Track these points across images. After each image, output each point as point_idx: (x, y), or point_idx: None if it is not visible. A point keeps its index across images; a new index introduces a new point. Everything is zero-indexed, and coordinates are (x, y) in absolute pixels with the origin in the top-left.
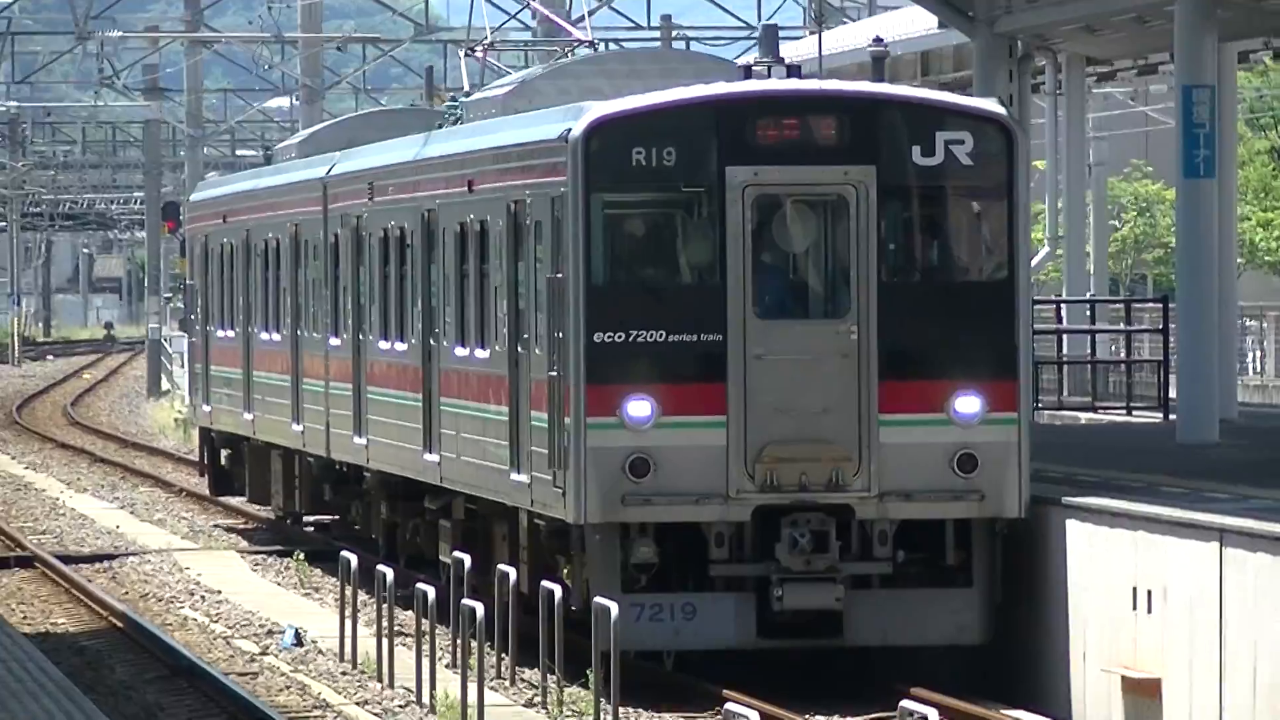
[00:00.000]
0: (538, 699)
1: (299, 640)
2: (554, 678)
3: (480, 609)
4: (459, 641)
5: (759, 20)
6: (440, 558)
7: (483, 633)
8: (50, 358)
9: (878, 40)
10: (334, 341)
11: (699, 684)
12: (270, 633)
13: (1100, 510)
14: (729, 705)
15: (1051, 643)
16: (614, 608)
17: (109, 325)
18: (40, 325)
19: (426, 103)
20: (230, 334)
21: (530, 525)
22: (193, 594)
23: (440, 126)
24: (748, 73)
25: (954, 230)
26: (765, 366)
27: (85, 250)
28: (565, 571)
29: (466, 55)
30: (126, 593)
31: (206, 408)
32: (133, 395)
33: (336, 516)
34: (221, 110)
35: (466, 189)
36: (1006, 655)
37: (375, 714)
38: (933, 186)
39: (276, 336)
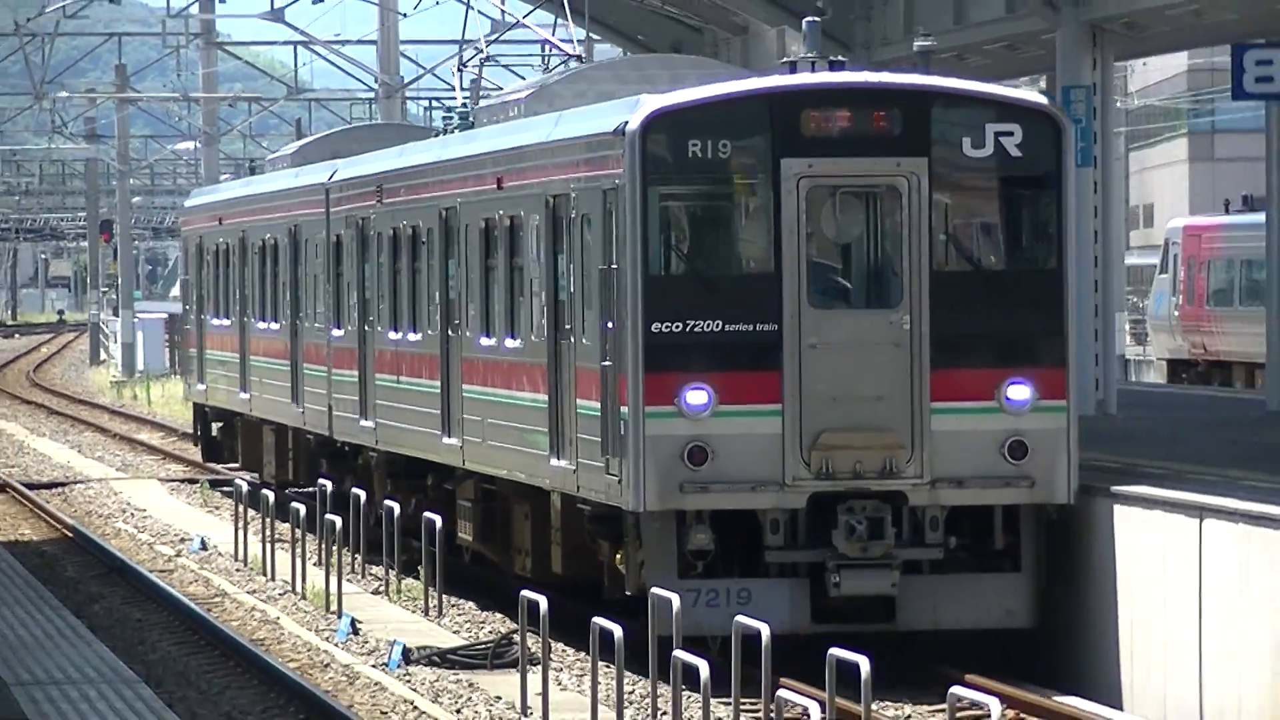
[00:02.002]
0: (382, 589)
1: (204, 546)
2: (394, 572)
3: (339, 522)
4: (323, 545)
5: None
6: (460, 535)
7: (340, 539)
8: (16, 335)
9: (924, 34)
10: (336, 332)
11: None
12: (182, 540)
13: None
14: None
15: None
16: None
17: (60, 312)
18: (9, 312)
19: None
20: (226, 322)
21: (565, 508)
22: (124, 511)
23: (445, 133)
24: (793, 67)
25: (1003, 221)
26: (819, 355)
27: (43, 256)
28: (617, 557)
29: (458, 69)
30: (75, 511)
31: (201, 386)
32: (79, 364)
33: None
34: (143, 151)
35: (495, 186)
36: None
37: (261, 600)
38: (983, 178)
39: (275, 326)
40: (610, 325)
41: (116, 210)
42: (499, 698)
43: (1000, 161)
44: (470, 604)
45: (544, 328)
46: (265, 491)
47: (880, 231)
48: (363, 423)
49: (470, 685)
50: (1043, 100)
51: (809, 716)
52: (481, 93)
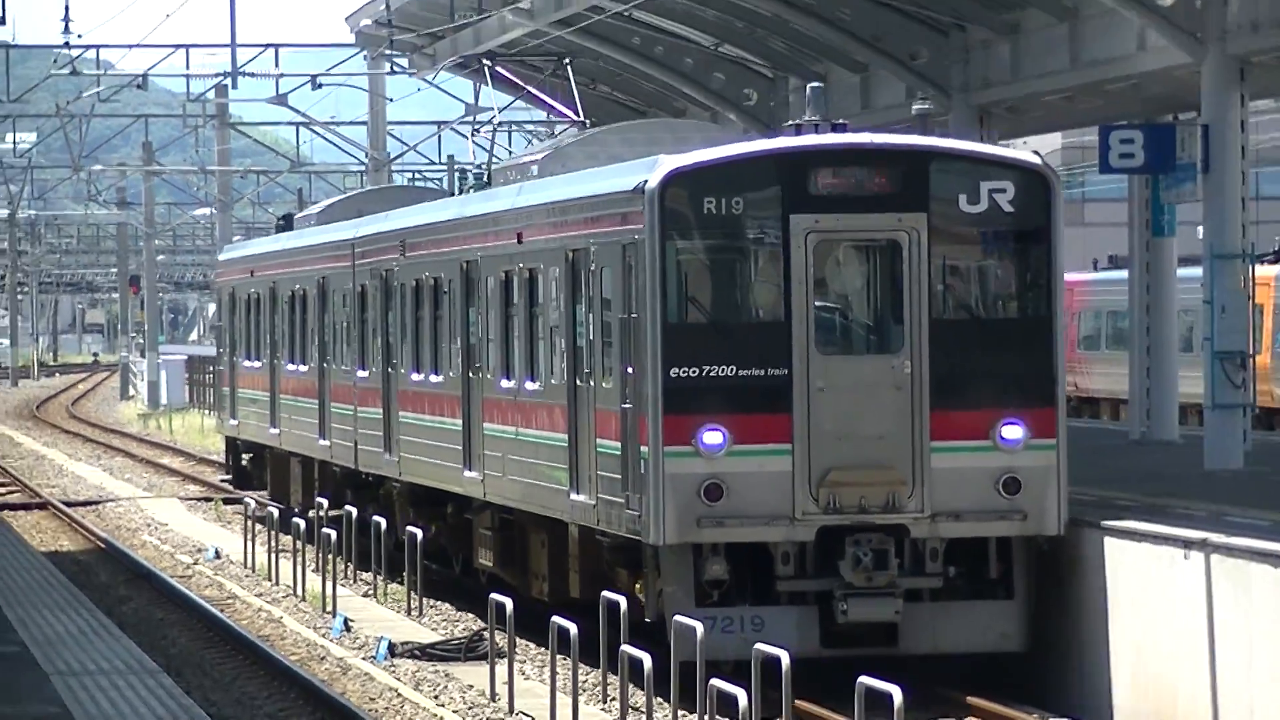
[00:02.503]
0: (371, 592)
1: (217, 555)
2: (381, 577)
3: (334, 535)
4: (324, 555)
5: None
6: (479, 560)
7: (335, 550)
8: (57, 375)
9: (922, 98)
10: (362, 373)
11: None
12: (199, 550)
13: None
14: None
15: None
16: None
17: (95, 354)
18: (50, 354)
19: (298, 209)
20: (257, 364)
21: (583, 538)
22: (149, 525)
23: (463, 192)
24: (798, 130)
25: (998, 272)
26: (826, 398)
27: (79, 305)
28: (637, 586)
29: (473, 135)
30: (106, 525)
31: (234, 421)
32: (111, 399)
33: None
34: (166, 216)
35: (515, 240)
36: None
37: (267, 602)
38: (978, 232)
39: (303, 367)
40: (630, 370)
41: (144, 267)
42: (471, 686)
43: (994, 216)
44: (448, 605)
45: (563, 371)
46: (272, 508)
47: (882, 282)
48: (386, 456)
49: (447, 675)
50: (1034, 158)
51: None
52: (493, 156)
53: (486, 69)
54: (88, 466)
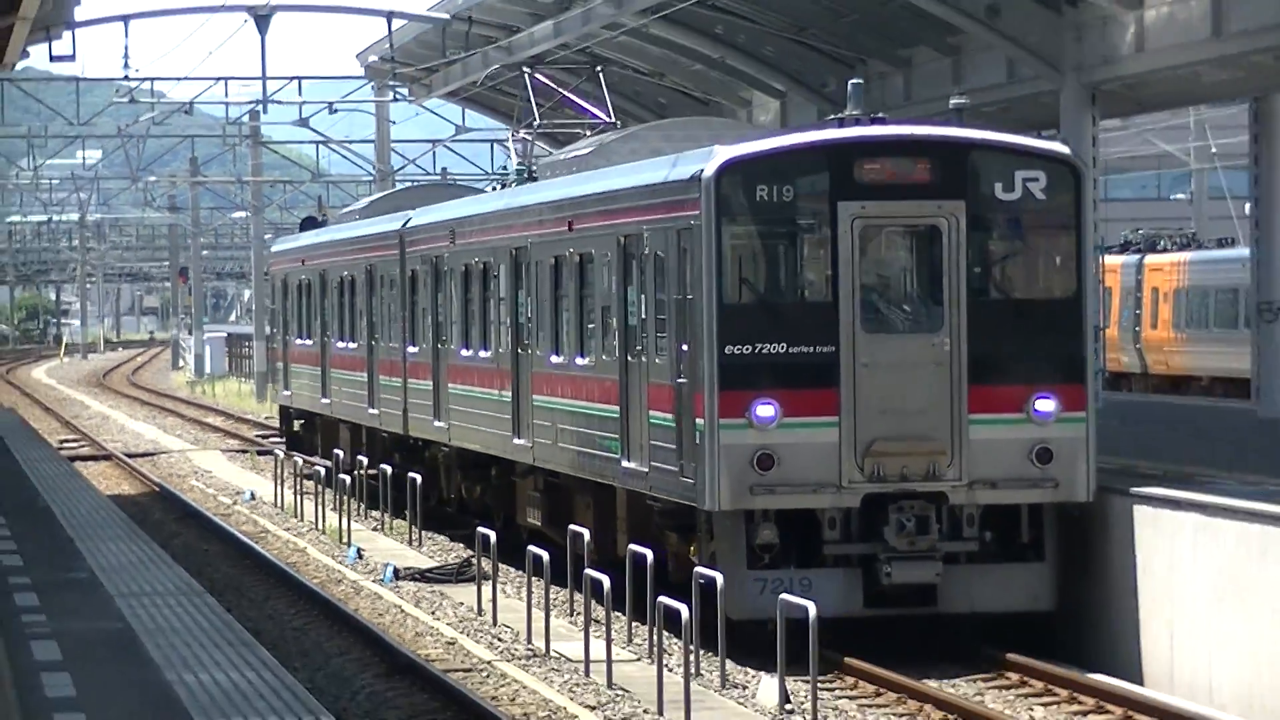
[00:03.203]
0: (379, 527)
1: (252, 497)
2: (387, 513)
3: (348, 479)
4: (340, 497)
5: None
6: (527, 519)
7: (349, 491)
8: (120, 349)
9: (961, 93)
10: (412, 349)
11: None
12: (237, 493)
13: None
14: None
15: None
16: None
17: (151, 333)
18: (114, 333)
19: (319, 214)
20: (309, 342)
21: (630, 502)
22: (195, 473)
23: (505, 187)
24: (841, 122)
25: (1031, 255)
26: (871, 374)
27: (137, 293)
28: (691, 548)
29: (513, 138)
30: (160, 472)
31: (286, 392)
32: (164, 369)
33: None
34: (209, 218)
35: (566, 228)
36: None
37: (293, 535)
38: (1013, 217)
39: (352, 345)
40: (685, 348)
41: (190, 260)
42: (462, 603)
43: (1027, 203)
44: (443, 537)
45: (615, 348)
46: (296, 457)
47: (923, 265)
48: (436, 423)
49: (441, 594)
50: (1064, 149)
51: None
52: (533, 156)
53: (526, 75)
54: (144, 424)
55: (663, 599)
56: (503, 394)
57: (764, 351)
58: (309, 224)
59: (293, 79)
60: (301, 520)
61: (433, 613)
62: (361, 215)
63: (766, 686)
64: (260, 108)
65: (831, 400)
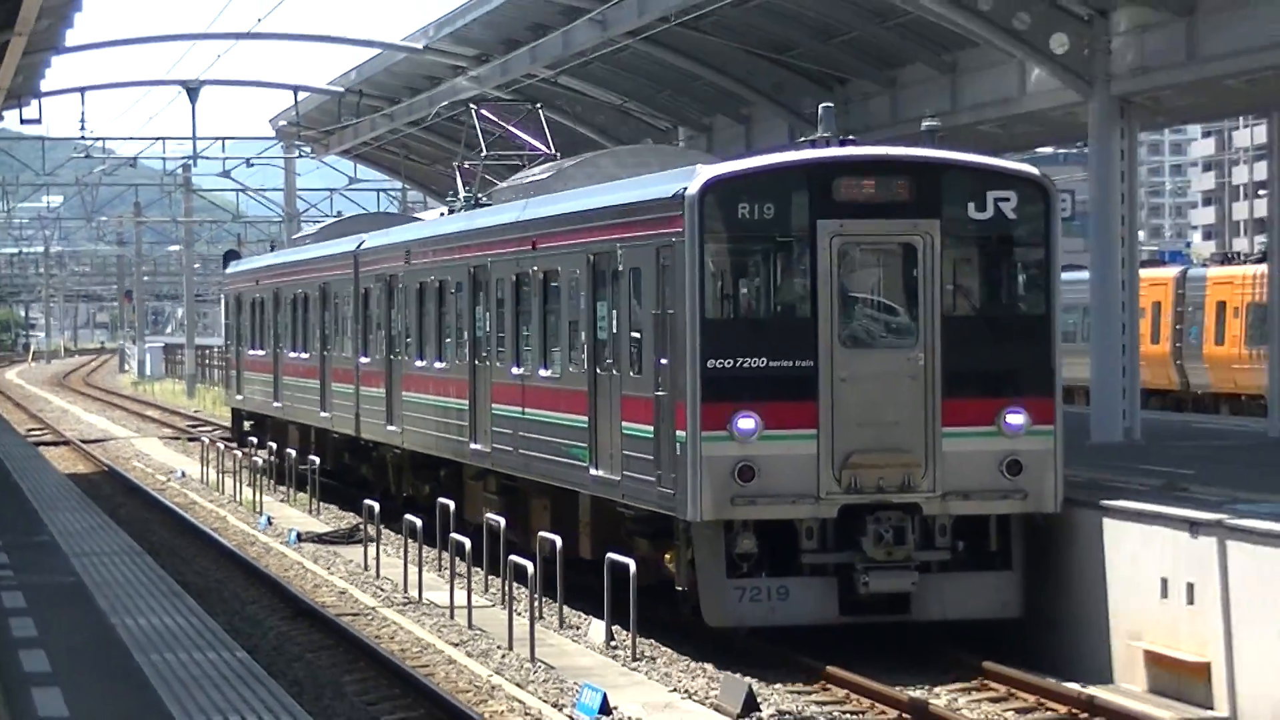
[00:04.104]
0: (285, 499)
1: (184, 475)
2: (293, 489)
3: (261, 459)
4: (257, 476)
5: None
6: (486, 515)
7: (264, 471)
8: (76, 356)
9: (932, 116)
10: (364, 359)
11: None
12: (170, 472)
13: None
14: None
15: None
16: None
17: (102, 343)
18: (72, 342)
19: (238, 248)
20: (261, 352)
21: (595, 508)
22: (137, 456)
23: (453, 212)
24: (813, 145)
25: (1002, 272)
26: (849, 388)
27: (91, 310)
28: (667, 556)
29: (457, 166)
30: (108, 455)
31: (240, 396)
32: (112, 372)
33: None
34: (149, 251)
35: (529, 247)
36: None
37: (217, 506)
38: (985, 236)
39: (305, 355)
40: (664, 361)
41: (134, 284)
42: (351, 560)
43: (999, 222)
44: (335, 507)
45: (583, 361)
46: (221, 442)
47: (899, 281)
48: (389, 427)
49: (335, 554)
50: (1034, 170)
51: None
52: (475, 186)
53: (473, 111)
54: (96, 416)
55: (513, 557)
56: (460, 402)
57: (745, 365)
58: (231, 256)
59: (218, 139)
60: (223, 494)
61: (328, 568)
62: (313, 240)
63: (595, 627)
64: (191, 162)
65: (810, 413)
